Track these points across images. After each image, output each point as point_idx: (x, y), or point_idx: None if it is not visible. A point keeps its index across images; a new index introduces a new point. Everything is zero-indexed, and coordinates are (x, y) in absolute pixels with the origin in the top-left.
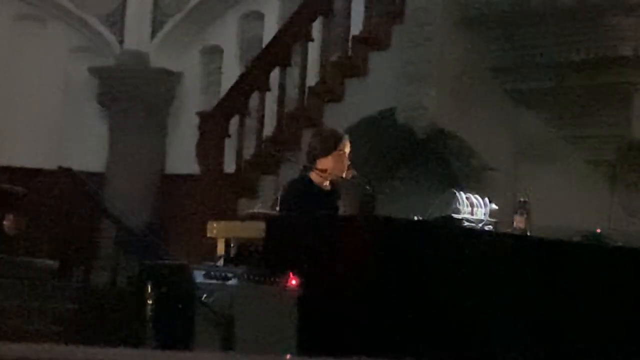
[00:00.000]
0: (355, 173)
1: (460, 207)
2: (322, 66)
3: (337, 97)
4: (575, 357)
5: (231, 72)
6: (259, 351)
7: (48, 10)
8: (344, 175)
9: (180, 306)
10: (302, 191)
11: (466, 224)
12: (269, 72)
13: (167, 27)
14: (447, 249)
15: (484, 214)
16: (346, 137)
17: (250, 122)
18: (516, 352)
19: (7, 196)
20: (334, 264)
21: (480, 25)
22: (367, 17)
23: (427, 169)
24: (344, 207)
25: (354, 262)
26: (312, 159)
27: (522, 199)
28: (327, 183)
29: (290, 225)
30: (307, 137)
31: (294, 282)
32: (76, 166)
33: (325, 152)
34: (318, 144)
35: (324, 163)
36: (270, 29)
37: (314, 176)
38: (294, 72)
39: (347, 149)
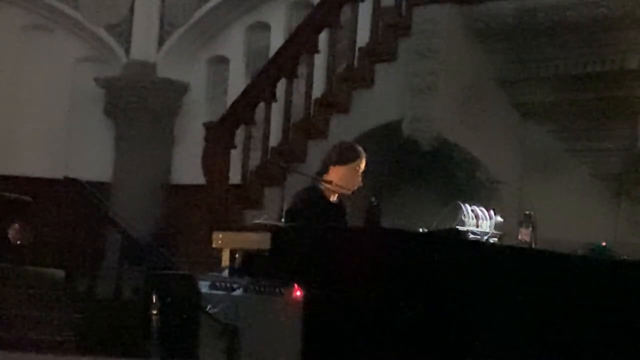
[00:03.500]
0: (361, 184)
1: (466, 220)
2: (329, 78)
3: (343, 109)
4: None
5: (237, 83)
6: None
7: (55, 21)
8: (351, 191)
9: (185, 317)
10: (310, 201)
11: (471, 236)
12: (276, 83)
13: (173, 38)
14: (452, 261)
15: (489, 227)
16: (364, 155)
17: (257, 133)
18: None
19: (13, 206)
20: (339, 275)
21: (486, 37)
22: (374, 29)
23: (432, 181)
24: (349, 219)
25: (359, 274)
26: (325, 167)
27: (527, 212)
28: (335, 196)
29: (295, 236)
30: (313, 148)
31: (299, 293)
32: (82, 176)
33: (340, 163)
34: (335, 153)
35: (336, 173)
36: (276, 40)
37: (322, 187)
38: (300, 83)
39: (362, 167)
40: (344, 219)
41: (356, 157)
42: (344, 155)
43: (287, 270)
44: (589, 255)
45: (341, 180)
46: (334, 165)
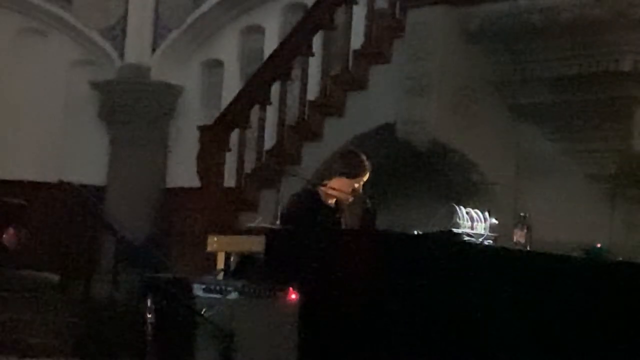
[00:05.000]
0: (360, 192)
1: (461, 222)
2: (323, 80)
3: (338, 111)
4: None
5: (232, 85)
6: None
7: (50, 24)
8: (349, 200)
9: (180, 320)
10: (307, 204)
11: (466, 238)
12: (270, 86)
13: (167, 41)
14: (447, 264)
15: (484, 229)
16: (370, 168)
17: (251, 136)
18: None
19: (8, 210)
20: (334, 278)
21: (481, 39)
22: (368, 31)
23: (427, 183)
24: (344, 221)
25: (354, 276)
26: (329, 174)
27: (522, 214)
28: (332, 200)
29: (290, 239)
30: (307, 151)
31: (294, 296)
32: (77, 179)
33: (346, 176)
34: (342, 165)
35: (339, 182)
36: (271, 43)
37: (321, 192)
38: (294, 86)
39: (364, 179)
40: (339, 222)
41: (362, 173)
42: (351, 170)
43: (282, 273)
44: (584, 257)
45: (342, 189)
46: (339, 176)
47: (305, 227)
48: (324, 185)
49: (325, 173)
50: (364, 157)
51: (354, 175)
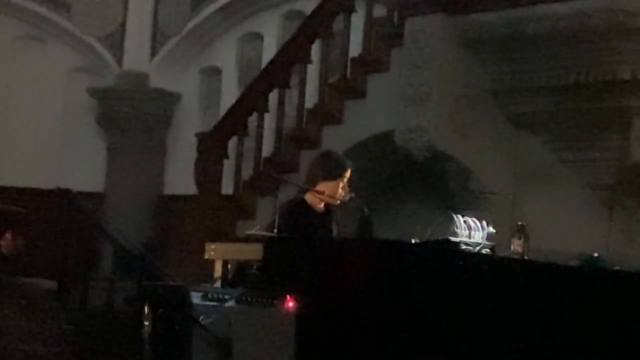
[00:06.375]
0: (353, 195)
1: (458, 230)
2: (321, 88)
3: (336, 119)
4: None
5: (230, 93)
6: None
7: (48, 31)
8: (337, 202)
9: (177, 328)
10: (295, 213)
11: (464, 247)
12: (268, 94)
13: (166, 48)
14: (445, 272)
15: (482, 238)
16: (350, 165)
17: (249, 144)
18: None
19: (6, 216)
20: (331, 286)
21: (479, 48)
22: (366, 40)
23: (425, 191)
24: (341, 229)
25: (351, 285)
26: (312, 181)
27: (520, 223)
28: (321, 205)
29: (288, 248)
30: (305, 158)
31: (291, 304)
32: (74, 186)
33: (327, 179)
34: (321, 169)
35: (323, 187)
36: (269, 51)
37: (308, 198)
38: (293, 94)
39: (347, 176)
40: (330, 228)
41: (342, 172)
42: (330, 172)
43: (280, 281)
44: (581, 266)
45: (329, 193)
46: (322, 181)
47: (296, 234)
48: (317, 192)
49: (307, 180)
50: (340, 156)
51: (335, 176)
